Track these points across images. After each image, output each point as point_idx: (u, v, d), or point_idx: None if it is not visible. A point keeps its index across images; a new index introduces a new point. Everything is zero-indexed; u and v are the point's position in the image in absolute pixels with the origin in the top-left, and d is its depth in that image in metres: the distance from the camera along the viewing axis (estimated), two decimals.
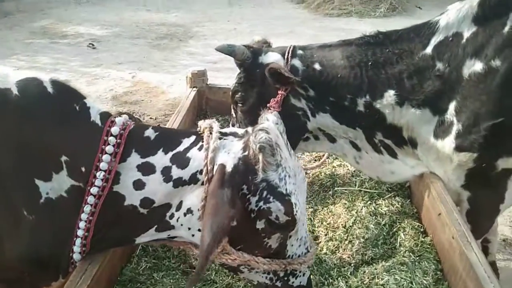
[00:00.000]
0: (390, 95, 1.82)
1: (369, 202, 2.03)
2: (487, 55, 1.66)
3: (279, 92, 1.94)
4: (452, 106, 1.72)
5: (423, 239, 1.82)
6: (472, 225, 1.88)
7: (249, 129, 1.33)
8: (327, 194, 2.18)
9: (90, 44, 7.59)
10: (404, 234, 1.85)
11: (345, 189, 2.16)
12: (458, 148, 1.73)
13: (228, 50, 1.96)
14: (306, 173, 2.42)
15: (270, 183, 1.23)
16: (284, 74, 1.86)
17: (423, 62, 1.77)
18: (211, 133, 1.32)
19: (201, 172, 1.27)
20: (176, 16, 10.25)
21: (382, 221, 1.91)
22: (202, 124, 1.37)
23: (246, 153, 1.24)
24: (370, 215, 1.94)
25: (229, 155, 1.26)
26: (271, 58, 1.99)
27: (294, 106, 2.00)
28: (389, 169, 2.03)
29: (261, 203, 1.24)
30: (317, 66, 1.96)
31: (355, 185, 2.17)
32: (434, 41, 1.77)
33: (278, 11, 11.13)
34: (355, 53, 1.91)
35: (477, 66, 1.67)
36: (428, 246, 1.77)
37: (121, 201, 1.34)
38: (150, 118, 4.98)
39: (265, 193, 1.23)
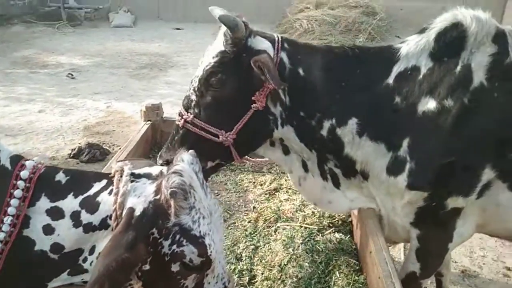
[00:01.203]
0: (353, 123, 1.76)
1: (307, 239, 2.01)
2: (440, 93, 1.67)
3: (266, 85, 1.73)
4: (405, 143, 1.70)
5: (357, 278, 1.80)
6: (421, 264, 1.88)
7: (164, 169, 1.33)
8: (270, 230, 2.17)
9: (69, 74, 7.63)
10: (339, 273, 1.83)
11: (287, 225, 2.15)
12: (410, 186, 1.71)
13: (232, 23, 1.68)
14: (254, 208, 2.42)
15: (183, 226, 1.22)
16: (270, 75, 1.66)
17: (385, 93, 1.75)
18: (121, 176, 1.32)
19: (111, 217, 1.26)
20: (160, 46, 10.41)
21: (319, 258, 1.90)
22: (114, 166, 1.37)
23: (158, 197, 1.23)
24: (307, 252, 1.92)
25: (139, 199, 1.25)
26: (262, 44, 1.77)
27: (269, 110, 1.82)
28: (328, 198, 1.98)
29: (174, 247, 1.23)
30: (301, 71, 1.80)
31: (297, 220, 2.15)
32: (395, 70, 1.75)
33: None
34: (333, 66, 1.82)
35: (431, 104, 1.67)
36: (361, 285, 1.75)
37: (31, 245, 1.32)
38: (120, 148, 4.97)
39: (178, 236, 1.22)
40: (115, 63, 8.69)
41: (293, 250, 1.94)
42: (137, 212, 1.22)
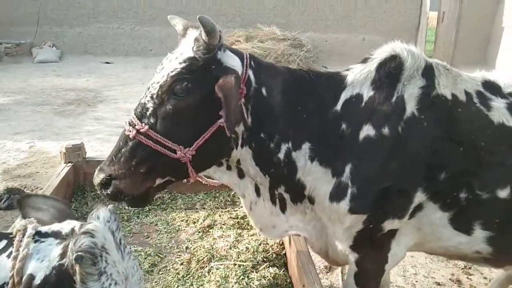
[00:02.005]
0: (306, 147, 1.77)
1: (241, 277, 1.96)
2: (378, 122, 1.74)
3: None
4: (348, 169, 1.75)
5: None
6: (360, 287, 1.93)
7: (78, 226, 1.21)
8: (203, 271, 2.09)
9: None
10: None
11: (221, 264, 2.08)
12: (351, 211, 1.75)
13: (211, 27, 1.57)
14: (186, 248, 2.32)
15: None
16: (226, 112, 1.58)
17: (333, 119, 1.79)
18: (23, 236, 1.18)
19: (8, 284, 1.12)
20: (88, 81, 10.04)
21: None
22: (17, 224, 1.23)
23: (63, 261, 1.10)
24: None
25: (42, 264, 1.11)
26: (232, 61, 1.69)
27: None
28: (272, 222, 1.96)
29: None
30: (264, 91, 1.75)
31: (232, 258, 2.09)
32: (343, 97, 1.80)
33: None
34: (291, 89, 1.80)
35: (371, 131, 1.73)
36: None
37: None
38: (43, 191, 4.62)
39: None
40: (39, 100, 8.21)
41: None
42: (37, 280, 1.09)
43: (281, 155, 1.78)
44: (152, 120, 1.64)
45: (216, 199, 2.82)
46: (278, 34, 11.87)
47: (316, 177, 1.80)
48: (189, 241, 2.39)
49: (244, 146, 1.78)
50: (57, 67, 11.53)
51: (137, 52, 13.22)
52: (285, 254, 2.17)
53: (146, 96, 1.67)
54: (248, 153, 1.80)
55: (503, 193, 1.78)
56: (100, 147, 5.89)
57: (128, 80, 10.23)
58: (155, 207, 2.75)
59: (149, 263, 2.20)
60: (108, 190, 1.67)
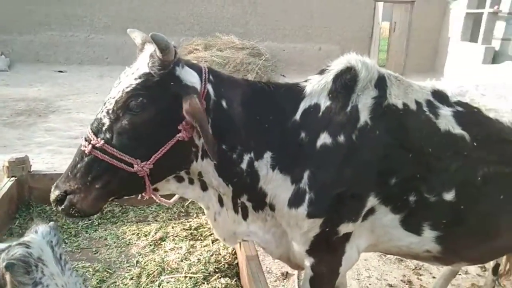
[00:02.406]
0: (268, 156, 1.81)
1: None
2: (334, 130, 1.81)
3: None
4: (306, 175, 1.80)
5: None
6: None
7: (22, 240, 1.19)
8: (153, 285, 2.04)
9: None
10: None
11: (172, 277, 2.05)
12: (309, 215, 1.81)
13: (165, 44, 1.55)
14: (137, 262, 2.27)
15: None
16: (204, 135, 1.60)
17: (293, 129, 1.83)
18: None
19: None
20: (39, 90, 9.67)
21: None
22: None
23: None
24: None
25: None
26: (191, 78, 1.70)
27: (193, 141, 1.73)
28: (234, 230, 1.99)
29: None
30: (224, 104, 1.77)
31: (183, 270, 2.07)
32: (302, 107, 1.86)
33: None
34: (251, 101, 1.83)
35: (327, 139, 1.80)
36: None
37: None
38: None
39: None
40: None
41: None
42: None
43: (244, 165, 1.80)
44: (108, 135, 1.62)
45: (169, 211, 2.78)
46: (237, 43, 11.95)
47: (276, 185, 1.84)
48: (139, 255, 2.33)
49: (205, 158, 1.78)
50: (6, 76, 11.05)
51: (92, 61, 12.88)
52: (237, 263, 2.16)
53: (102, 111, 1.65)
54: (210, 165, 1.79)
55: (448, 196, 1.89)
56: (51, 159, 5.67)
57: (82, 89, 9.94)
58: (105, 221, 2.67)
59: (97, 279, 2.13)
60: (62, 206, 1.64)
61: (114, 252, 2.38)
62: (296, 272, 3.58)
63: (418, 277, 3.65)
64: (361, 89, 1.86)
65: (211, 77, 1.77)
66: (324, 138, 1.80)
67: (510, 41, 11.10)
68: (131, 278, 2.12)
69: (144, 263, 2.24)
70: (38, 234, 1.20)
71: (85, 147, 1.62)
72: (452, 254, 2.13)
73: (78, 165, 1.64)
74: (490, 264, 3.21)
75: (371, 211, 1.88)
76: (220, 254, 2.22)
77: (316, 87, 1.87)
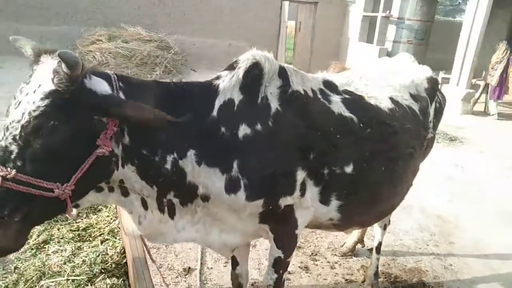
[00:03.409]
0: (191, 154, 1.87)
1: None
2: (251, 120, 1.96)
3: (110, 127, 1.60)
4: (235, 164, 1.93)
5: None
6: (282, 249, 2.26)
7: None
8: None
9: None
10: None
11: (52, 281, 1.93)
12: (248, 198, 1.97)
13: (74, 61, 1.44)
14: (15, 268, 2.10)
15: None
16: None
17: (212, 125, 1.92)
18: None
19: None
20: None
21: None
22: None
23: None
24: None
25: None
26: (102, 87, 1.61)
27: (112, 151, 1.67)
28: (161, 229, 2.02)
29: None
30: None
31: (65, 273, 1.96)
32: (217, 104, 1.96)
33: None
34: (164, 103, 1.80)
35: (247, 130, 1.95)
36: None
37: None
38: None
39: None
40: None
41: None
42: None
43: (168, 166, 1.84)
44: (19, 163, 1.47)
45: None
46: (144, 35, 11.56)
47: (206, 177, 1.93)
48: (18, 260, 2.17)
49: (125, 165, 1.76)
50: None
51: (12, 52, 11.52)
52: (126, 263, 2.11)
53: (7, 138, 1.48)
54: (131, 170, 1.78)
55: (348, 169, 2.23)
56: None
57: None
58: None
59: None
60: None
61: None
62: (198, 267, 3.60)
63: (314, 262, 3.88)
64: (268, 81, 2.05)
65: (121, 83, 1.72)
66: (244, 129, 1.94)
67: (400, 44, 12.26)
68: (7, 286, 1.95)
69: (23, 268, 2.08)
70: None
71: None
72: (348, 220, 2.46)
73: None
74: (374, 246, 3.54)
75: (303, 185, 2.11)
76: (108, 254, 2.15)
77: (228, 83, 2.00)
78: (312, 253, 4.01)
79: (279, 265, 2.32)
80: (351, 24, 14.27)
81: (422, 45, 12.41)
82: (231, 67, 2.08)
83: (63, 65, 1.46)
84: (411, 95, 2.81)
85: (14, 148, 1.47)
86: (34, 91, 1.49)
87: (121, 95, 1.69)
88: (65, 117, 1.51)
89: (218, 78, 2.06)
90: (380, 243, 3.49)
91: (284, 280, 2.42)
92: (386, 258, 4.02)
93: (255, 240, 4.11)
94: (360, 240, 4.05)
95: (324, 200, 2.26)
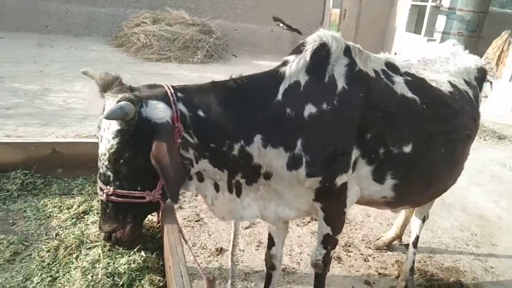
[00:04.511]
0: (258, 139, 2.02)
1: (109, 262, 1.89)
2: (317, 100, 2.05)
3: (175, 140, 1.87)
4: (299, 143, 2.04)
5: None
6: (331, 226, 2.36)
7: None
8: (71, 258, 1.97)
9: None
10: None
11: (90, 249, 1.99)
12: (308, 175, 2.08)
13: (122, 115, 1.70)
14: (56, 235, 2.18)
15: None
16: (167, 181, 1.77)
17: (277, 108, 2.04)
18: None
19: None
20: None
21: (120, 281, 1.79)
22: None
23: None
24: (108, 276, 1.79)
25: None
26: (157, 113, 1.82)
27: (183, 157, 1.97)
28: (230, 207, 2.22)
29: None
30: (201, 113, 1.95)
31: (103, 243, 2.01)
32: (282, 88, 2.07)
33: (95, 53, 10.70)
34: (227, 100, 2.01)
35: (312, 109, 2.04)
36: None
37: None
38: None
39: None
40: None
41: (92, 276, 1.78)
42: None
43: (235, 152, 2.02)
44: (117, 183, 1.89)
45: (96, 184, 2.68)
46: (187, 18, 11.66)
47: (271, 157, 2.07)
48: (60, 228, 2.24)
49: (199, 161, 2.02)
50: None
51: (31, 28, 12.03)
52: (160, 237, 2.14)
53: (102, 167, 1.90)
54: (205, 162, 2.03)
55: (407, 149, 2.28)
56: None
57: (18, 58, 9.29)
58: (25, 192, 2.52)
59: (10, 252, 2.02)
60: (111, 242, 1.98)
61: (33, 224, 2.27)
62: (230, 248, 3.64)
63: (347, 253, 3.82)
64: (334, 60, 2.12)
65: (179, 94, 1.93)
66: (310, 109, 2.03)
67: (449, 35, 11.69)
68: (48, 251, 2.03)
69: (64, 235, 2.15)
70: None
71: (102, 196, 1.91)
72: (402, 199, 2.50)
73: (107, 210, 1.95)
74: (411, 240, 3.43)
75: (355, 163, 2.18)
76: (144, 228, 2.18)
77: (294, 67, 2.09)
78: (345, 244, 3.95)
79: (328, 241, 2.44)
80: (399, 13, 13.75)
81: (474, 37, 11.78)
82: (298, 50, 2.15)
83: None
84: (465, 81, 2.83)
85: (109, 174, 1.89)
86: (108, 128, 1.82)
87: (181, 107, 1.90)
88: (135, 147, 1.82)
89: (284, 64, 2.15)
90: (417, 237, 3.38)
91: (331, 256, 2.57)
92: (422, 255, 3.90)
93: (288, 227, 4.10)
94: (398, 236, 3.94)
95: (378, 178, 2.30)
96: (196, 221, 4.02)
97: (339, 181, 2.17)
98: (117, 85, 1.93)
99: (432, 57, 2.84)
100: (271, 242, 2.77)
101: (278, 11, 13.34)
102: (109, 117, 1.69)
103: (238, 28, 13.26)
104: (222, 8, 13.12)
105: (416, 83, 2.43)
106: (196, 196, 4.41)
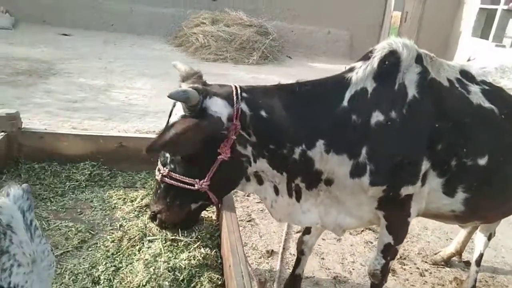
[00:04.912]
0: (320, 144, 2.02)
1: (171, 256, 1.94)
2: (385, 107, 2.01)
3: (230, 136, 1.93)
4: (364, 151, 2.02)
5: None
6: (393, 236, 2.30)
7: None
8: (134, 250, 2.04)
9: None
10: None
11: (152, 242, 2.06)
12: (372, 183, 2.05)
13: (182, 97, 1.80)
14: (120, 226, 2.28)
15: None
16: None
17: (343, 115, 2.03)
18: None
19: None
20: (43, 52, 9.57)
21: (181, 276, 1.83)
22: None
23: None
24: (169, 270, 1.84)
25: None
26: (214, 106, 1.91)
27: (240, 153, 2.02)
28: (289, 211, 2.24)
29: None
30: (263, 113, 1.99)
31: (164, 237, 2.07)
32: (348, 95, 2.05)
33: (156, 52, 11.11)
34: (292, 103, 2.03)
35: (380, 117, 2.01)
36: None
37: None
38: None
39: None
40: None
41: (154, 269, 1.84)
42: None
43: (296, 156, 2.03)
44: (172, 166, 2.01)
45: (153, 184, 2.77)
46: (245, 19, 11.78)
47: (333, 164, 2.05)
48: (123, 219, 2.34)
49: (257, 160, 2.06)
50: (10, 34, 10.96)
51: (98, 27, 12.72)
52: (219, 235, 2.17)
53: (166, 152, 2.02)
54: (264, 162, 2.06)
55: (482, 161, 2.16)
56: (48, 120, 5.65)
57: (86, 54, 9.85)
58: (92, 183, 2.66)
59: (78, 240, 2.13)
60: (155, 222, 2.11)
61: (99, 214, 2.39)
62: (280, 250, 3.62)
63: (402, 266, 3.67)
64: (405, 67, 2.07)
65: (244, 94, 1.98)
66: (377, 116, 2.00)
67: None
68: (113, 241, 2.12)
69: (127, 227, 2.24)
70: (9, 198, 1.10)
71: (157, 176, 2.03)
72: (472, 214, 2.38)
73: (158, 191, 2.07)
74: (473, 257, 3.23)
75: (426, 175, 2.11)
76: (203, 225, 2.22)
77: (361, 74, 2.06)
78: (400, 257, 3.79)
79: (388, 251, 2.36)
80: (465, 16, 13.06)
81: None
82: (366, 57, 2.13)
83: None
84: None
85: (167, 156, 2.01)
86: (176, 114, 1.94)
87: (243, 106, 1.95)
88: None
89: (351, 70, 2.12)
90: (481, 255, 3.18)
91: (390, 268, 2.48)
92: (484, 274, 3.66)
93: (342, 235, 4.02)
94: (459, 253, 3.73)
95: (449, 191, 2.21)
96: (247, 221, 4.04)
97: (404, 191, 2.10)
98: (196, 78, 2.06)
99: (511, 64, 2.65)
100: (307, 230, 2.77)
101: (336, 13, 13.14)
102: (172, 96, 1.78)
103: (294, 29, 13.22)
104: (279, 9, 13.14)
105: (494, 92, 2.32)
106: (248, 196, 4.43)
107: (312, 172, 2.08)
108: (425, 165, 2.09)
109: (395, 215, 2.25)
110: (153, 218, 2.10)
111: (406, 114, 2.01)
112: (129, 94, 7.34)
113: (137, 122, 6.08)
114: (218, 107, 1.91)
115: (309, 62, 12.01)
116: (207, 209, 2.30)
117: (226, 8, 12.37)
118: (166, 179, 2.00)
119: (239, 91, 1.98)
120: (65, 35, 11.74)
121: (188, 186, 1.97)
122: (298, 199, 2.20)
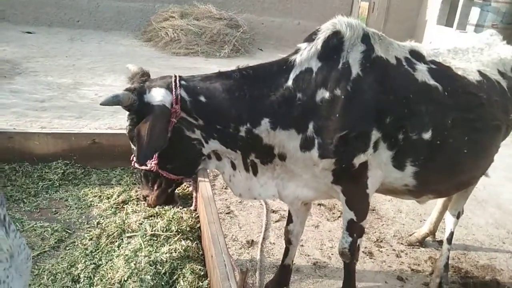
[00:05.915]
0: (265, 122, 2.12)
1: (151, 250, 1.93)
2: (330, 85, 2.08)
3: (171, 119, 2.10)
4: (311, 126, 2.11)
5: (201, 283, 1.78)
6: (354, 211, 2.37)
7: None
8: (113, 246, 2.03)
9: None
10: (183, 281, 1.79)
11: (132, 238, 2.04)
12: (321, 156, 2.13)
13: (114, 102, 2.00)
14: (98, 224, 2.24)
15: None
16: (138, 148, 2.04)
17: (287, 93, 2.11)
18: None
19: None
20: (5, 51, 9.20)
21: (162, 269, 1.83)
22: None
23: None
24: (150, 265, 1.83)
25: None
26: (157, 97, 2.08)
27: (190, 138, 2.21)
28: (247, 185, 2.35)
29: None
30: (202, 98, 2.13)
31: (143, 232, 2.06)
32: (292, 75, 2.13)
33: (124, 48, 10.87)
34: (233, 87, 2.13)
35: (325, 94, 2.08)
36: None
37: None
38: None
39: None
40: None
41: (135, 264, 1.83)
42: None
43: (243, 134, 2.15)
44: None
45: (134, 175, 2.74)
46: (214, 13, 11.68)
47: (282, 139, 2.15)
48: (101, 217, 2.31)
49: (209, 141, 2.22)
50: None
51: (63, 23, 12.33)
52: (199, 227, 2.17)
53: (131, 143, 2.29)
54: (216, 143, 2.22)
55: (426, 135, 2.24)
56: (16, 121, 5.47)
57: (51, 52, 9.54)
58: (66, 182, 2.61)
59: (55, 239, 2.10)
60: (146, 203, 2.40)
61: (75, 213, 2.35)
62: (260, 240, 3.65)
63: (379, 249, 3.77)
64: (349, 46, 2.13)
65: (183, 82, 2.15)
66: (322, 94, 2.08)
67: (483, 28, 11.30)
68: (91, 239, 2.10)
69: (105, 224, 2.22)
70: None
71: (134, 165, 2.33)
72: (424, 187, 2.49)
73: (140, 178, 2.42)
74: (445, 236, 3.36)
75: (376, 145, 2.18)
76: (182, 218, 2.22)
77: (305, 55, 2.13)
78: (377, 240, 3.90)
79: (353, 228, 2.41)
80: (430, 5, 13.38)
81: (509, 29, 11.35)
82: (310, 39, 2.18)
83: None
84: (499, 72, 2.74)
85: (133, 147, 2.25)
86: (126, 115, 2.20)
87: (182, 92, 2.11)
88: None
89: (296, 52, 2.17)
90: (452, 233, 3.30)
91: (359, 245, 2.52)
92: (456, 252, 3.81)
93: (318, 221, 4.08)
94: (432, 233, 3.86)
95: (398, 165, 2.30)
96: (226, 213, 4.05)
97: (357, 161, 2.17)
98: (138, 77, 2.24)
99: (464, 47, 2.77)
100: (289, 219, 2.83)
101: (305, 4, 13.21)
102: (104, 103, 1.99)
103: (264, 22, 13.21)
104: (249, 1, 13.09)
105: (440, 71, 2.40)
106: (226, 188, 4.44)
107: (262, 147, 2.19)
108: (375, 135, 2.16)
109: (352, 189, 2.31)
110: (144, 199, 2.41)
111: (351, 90, 2.08)
112: (99, 91, 7.17)
113: (108, 119, 5.96)
114: (160, 97, 2.08)
115: (280, 54, 12.00)
116: (186, 199, 2.35)
117: (195, 1, 12.22)
118: (136, 166, 2.29)
119: (177, 80, 2.13)
120: (29, 32, 11.32)
121: (147, 167, 2.24)
122: (255, 173, 2.33)
